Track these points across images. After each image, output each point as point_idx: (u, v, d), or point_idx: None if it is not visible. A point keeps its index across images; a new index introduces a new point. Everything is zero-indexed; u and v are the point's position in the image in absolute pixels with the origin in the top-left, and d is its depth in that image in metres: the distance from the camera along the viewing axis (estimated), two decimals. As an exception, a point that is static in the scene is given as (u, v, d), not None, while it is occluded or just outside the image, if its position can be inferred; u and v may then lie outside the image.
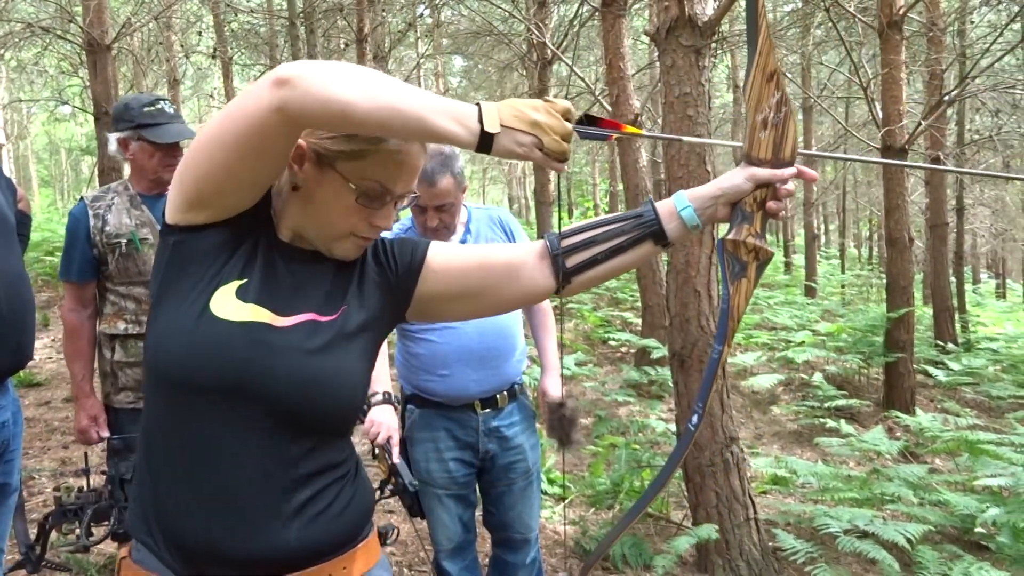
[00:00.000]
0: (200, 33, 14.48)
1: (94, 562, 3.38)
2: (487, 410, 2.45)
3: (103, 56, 6.82)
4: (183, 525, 1.12)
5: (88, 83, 7.48)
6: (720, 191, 1.17)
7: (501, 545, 2.62)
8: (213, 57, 12.82)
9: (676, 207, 1.19)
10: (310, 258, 1.19)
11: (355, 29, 9.52)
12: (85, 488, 2.17)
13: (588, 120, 1.14)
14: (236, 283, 1.12)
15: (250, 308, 1.11)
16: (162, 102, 2.52)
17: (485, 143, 1.03)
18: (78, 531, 2.06)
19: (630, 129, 1.18)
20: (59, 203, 33.37)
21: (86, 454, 2.43)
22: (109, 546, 3.36)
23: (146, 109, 2.47)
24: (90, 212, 2.49)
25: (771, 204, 1.16)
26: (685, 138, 1.32)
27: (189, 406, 1.11)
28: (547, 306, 2.68)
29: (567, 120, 1.07)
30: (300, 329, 1.13)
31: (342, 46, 11.39)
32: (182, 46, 13.79)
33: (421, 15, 11.99)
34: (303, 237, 1.19)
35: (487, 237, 2.47)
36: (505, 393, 2.49)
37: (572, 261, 1.21)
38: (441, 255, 1.26)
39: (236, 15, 12.01)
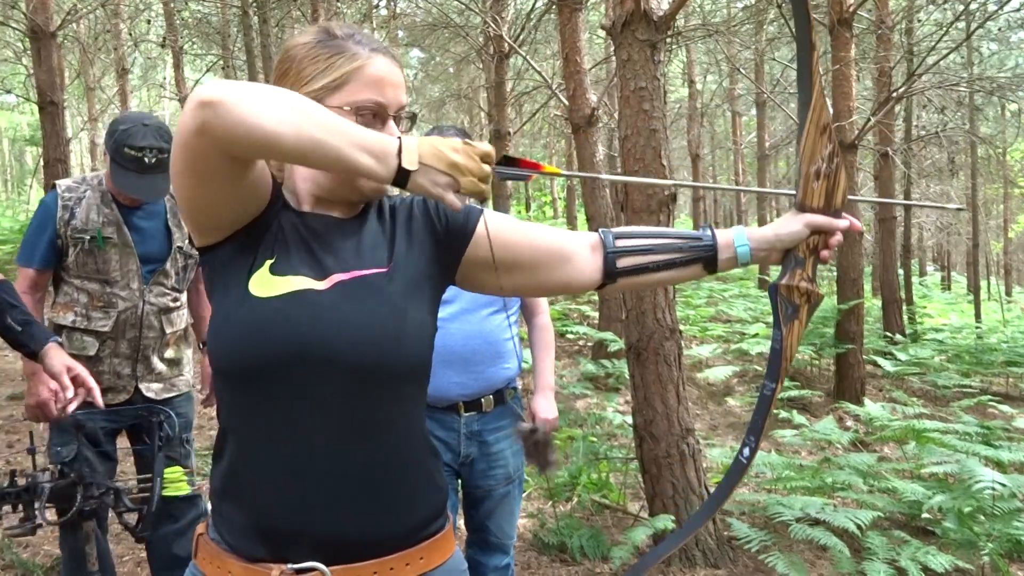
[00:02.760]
0: (149, 21, 14.14)
1: (40, 563, 3.29)
2: (471, 412, 2.41)
3: (47, 44, 6.65)
4: (283, 515, 1.11)
5: (32, 71, 7.26)
6: (777, 237, 1.23)
7: (476, 546, 2.56)
8: (163, 46, 12.54)
9: (734, 242, 1.24)
10: (339, 221, 1.20)
11: (309, 19, 9.39)
12: (33, 468, 2.12)
13: (507, 161, 1.15)
14: (268, 262, 1.13)
15: (287, 280, 1.12)
16: (148, 152, 2.40)
17: (401, 179, 1.04)
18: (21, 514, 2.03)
19: (549, 168, 1.18)
20: (2, 195, 32.31)
21: (31, 433, 2.36)
22: (55, 547, 3.27)
23: (126, 150, 2.39)
24: (60, 203, 2.48)
25: (824, 252, 1.23)
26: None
27: (263, 396, 1.10)
28: (547, 322, 2.61)
29: (486, 163, 1.08)
30: (346, 286, 1.13)
31: (296, 36, 11.20)
32: (131, 34, 13.44)
33: (377, 6, 11.88)
34: (325, 199, 1.19)
35: None
36: (491, 396, 2.43)
37: (623, 263, 1.24)
38: (494, 224, 1.26)
39: (187, 3, 11.76)
